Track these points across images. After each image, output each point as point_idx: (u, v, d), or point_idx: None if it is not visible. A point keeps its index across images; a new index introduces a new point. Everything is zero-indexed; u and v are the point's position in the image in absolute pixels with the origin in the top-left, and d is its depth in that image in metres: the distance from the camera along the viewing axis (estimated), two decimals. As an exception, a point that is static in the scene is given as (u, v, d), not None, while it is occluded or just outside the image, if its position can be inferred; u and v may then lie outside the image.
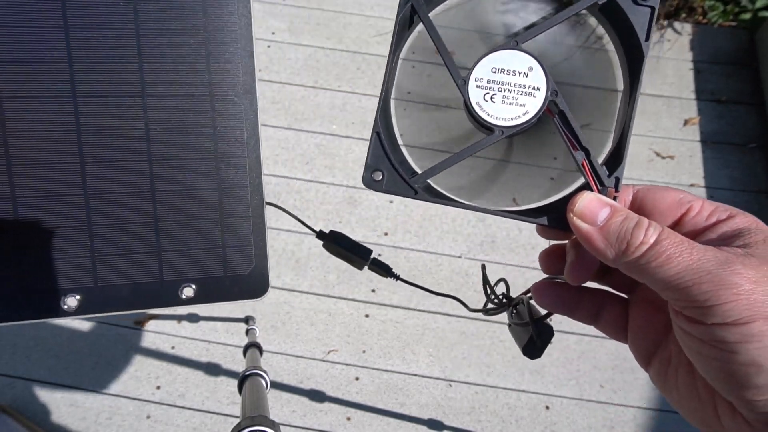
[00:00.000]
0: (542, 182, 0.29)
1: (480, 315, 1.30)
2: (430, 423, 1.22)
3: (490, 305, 0.39)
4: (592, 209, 0.24)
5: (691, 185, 1.53)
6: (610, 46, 0.28)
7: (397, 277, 0.48)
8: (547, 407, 1.25)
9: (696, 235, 0.25)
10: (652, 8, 0.26)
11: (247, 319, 1.00)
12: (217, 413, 1.22)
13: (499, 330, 1.29)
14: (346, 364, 1.27)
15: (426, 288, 0.47)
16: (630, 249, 0.23)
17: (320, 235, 0.46)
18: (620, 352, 1.29)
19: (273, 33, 1.68)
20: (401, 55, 0.29)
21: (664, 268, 0.22)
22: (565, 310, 0.29)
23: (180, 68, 0.32)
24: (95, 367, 1.24)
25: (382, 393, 1.25)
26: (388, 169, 0.28)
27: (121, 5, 0.30)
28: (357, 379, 1.26)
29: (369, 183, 0.28)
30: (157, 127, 0.33)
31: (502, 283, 0.39)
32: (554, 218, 0.26)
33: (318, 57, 1.65)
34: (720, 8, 1.70)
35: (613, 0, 0.26)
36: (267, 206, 0.37)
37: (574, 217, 0.24)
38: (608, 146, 0.28)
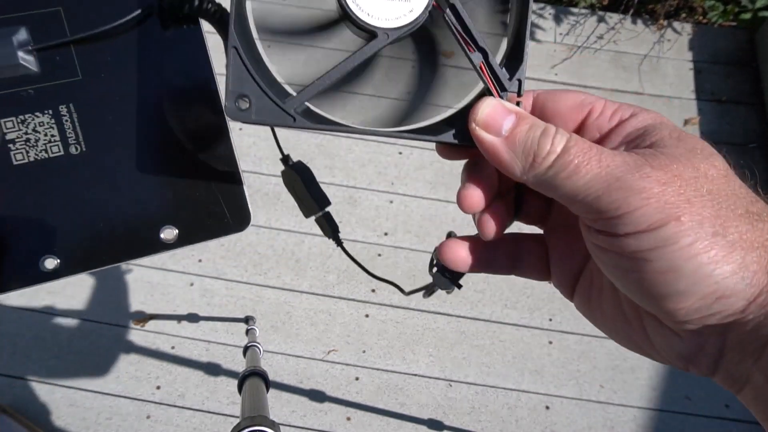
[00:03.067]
0: (444, 94, 0.25)
1: (479, 315, 1.30)
2: (430, 423, 1.22)
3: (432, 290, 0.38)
4: (496, 117, 0.22)
5: (691, 185, 1.53)
6: None
7: (340, 243, 0.42)
8: (547, 407, 1.25)
9: (602, 138, 0.24)
10: None
11: (247, 319, 1.00)
12: (217, 413, 1.22)
13: (499, 330, 1.29)
14: (346, 364, 1.27)
15: (366, 270, 0.43)
16: (537, 160, 0.21)
17: (285, 159, 0.40)
18: (620, 352, 1.29)
19: (273, 33, 1.68)
20: None
21: (573, 179, 0.20)
22: (481, 267, 0.27)
23: None
24: (95, 367, 1.24)
25: (382, 393, 1.25)
26: (255, 94, 0.22)
27: None
28: (357, 379, 1.26)
29: (234, 114, 0.22)
30: None
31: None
32: (458, 133, 0.23)
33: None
34: (720, 8, 1.70)
35: None
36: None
37: (477, 128, 0.22)
38: (504, 46, 0.24)
